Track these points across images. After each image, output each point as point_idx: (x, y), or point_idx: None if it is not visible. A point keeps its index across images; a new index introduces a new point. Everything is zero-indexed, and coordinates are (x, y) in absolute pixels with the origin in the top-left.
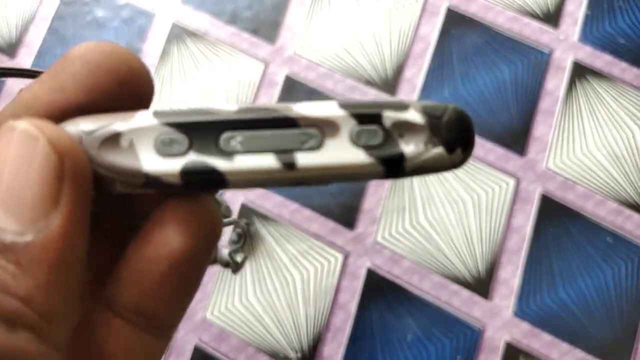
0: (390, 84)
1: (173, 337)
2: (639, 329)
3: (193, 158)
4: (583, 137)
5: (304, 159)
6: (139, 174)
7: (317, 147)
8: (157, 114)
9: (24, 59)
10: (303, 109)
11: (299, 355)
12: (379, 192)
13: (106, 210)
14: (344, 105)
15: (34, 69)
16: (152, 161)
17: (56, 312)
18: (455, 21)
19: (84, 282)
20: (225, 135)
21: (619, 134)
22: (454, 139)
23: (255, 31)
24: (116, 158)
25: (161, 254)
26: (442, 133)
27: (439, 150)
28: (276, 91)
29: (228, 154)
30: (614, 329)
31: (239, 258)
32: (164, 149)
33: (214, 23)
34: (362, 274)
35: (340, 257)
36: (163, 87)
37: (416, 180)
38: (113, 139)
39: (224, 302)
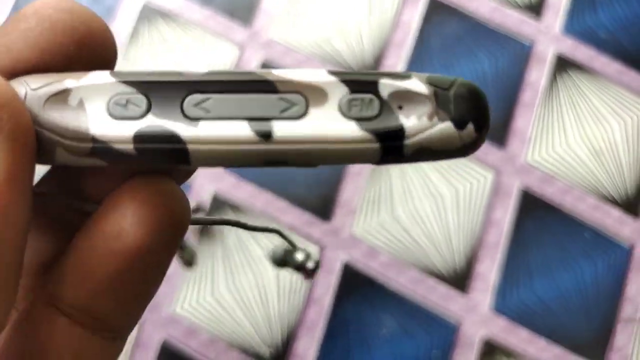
0: (369, 70)
1: (127, 340)
2: (615, 325)
3: (150, 122)
4: (563, 132)
5: (283, 129)
6: (86, 136)
7: (299, 116)
8: (114, 73)
9: None
10: (285, 72)
11: (272, 350)
12: (356, 183)
13: (52, 191)
14: (334, 72)
15: None
16: (102, 123)
17: None
18: (436, 9)
19: (30, 273)
20: (190, 98)
21: (599, 129)
22: (465, 112)
23: (230, 14)
24: (61, 117)
25: (114, 247)
26: (450, 105)
27: (446, 125)
28: None
29: (193, 119)
30: (591, 324)
31: (310, 264)
32: (118, 110)
33: (188, 5)
34: (338, 267)
35: (315, 249)
36: (132, 68)
37: (394, 172)
38: (61, 96)
39: (194, 295)
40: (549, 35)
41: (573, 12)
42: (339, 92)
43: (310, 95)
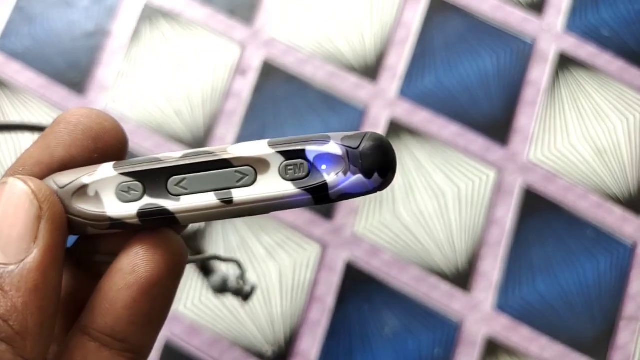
0: (371, 70)
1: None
2: (618, 323)
3: (147, 201)
4: (565, 130)
5: (240, 195)
6: (104, 218)
7: (251, 183)
8: (117, 164)
9: None
10: (237, 150)
11: (275, 349)
12: None
13: (84, 248)
14: (272, 144)
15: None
16: (114, 207)
17: (31, 332)
18: (438, 8)
19: (64, 314)
20: (172, 179)
21: (602, 127)
22: (370, 166)
23: (231, 12)
24: (85, 206)
25: (130, 280)
26: (359, 161)
27: (357, 176)
28: (252, 77)
29: (175, 196)
30: (594, 322)
31: (247, 288)
32: (123, 195)
33: (189, 3)
34: (340, 266)
35: (317, 248)
36: (136, 69)
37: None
38: (82, 190)
39: (197, 294)
40: (551, 33)
41: (575, 9)
42: (277, 161)
43: (257, 165)
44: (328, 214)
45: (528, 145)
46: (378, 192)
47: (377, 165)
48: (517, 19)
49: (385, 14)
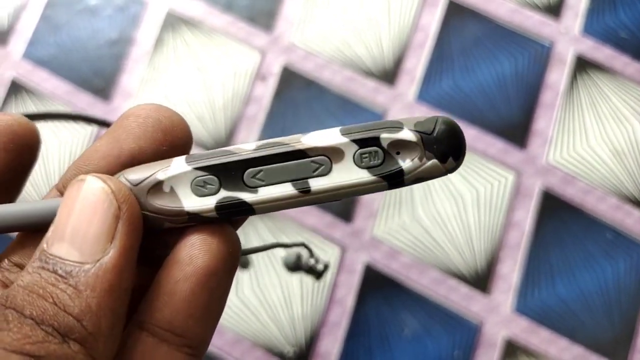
0: (389, 75)
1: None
2: (637, 325)
3: (224, 194)
4: (584, 132)
5: (317, 184)
6: (182, 213)
7: (327, 172)
8: (188, 159)
9: (16, 47)
10: (311, 140)
11: (296, 350)
12: None
13: (145, 244)
14: (345, 132)
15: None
16: (191, 201)
17: (103, 332)
18: (455, 12)
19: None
20: (248, 172)
21: (620, 129)
22: (446, 150)
23: (251, 20)
24: (162, 202)
25: (187, 271)
26: (434, 147)
27: (432, 162)
28: (272, 83)
29: (253, 188)
30: (613, 324)
31: (320, 266)
32: (199, 190)
33: (210, 11)
34: (360, 268)
35: (337, 251)
36: (159, 75)
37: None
38: (157, 187)
39: None
40: (569, 35)
41: (593, 12)
42: (352, 149)
43: (332, 155)
44: (347, 217)
45: (547, 148)
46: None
47: (451, 149)
48: (535, 23)
49: (403, 19)
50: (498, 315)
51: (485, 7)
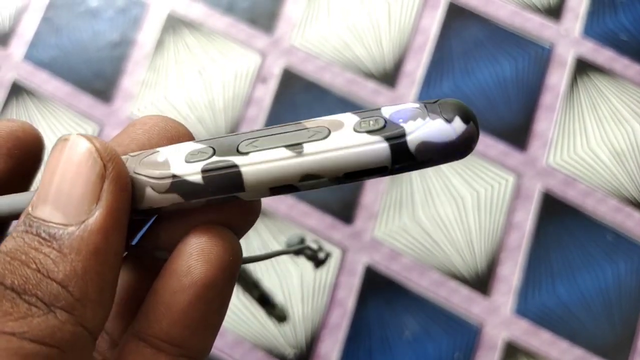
0: (389, 77)
1: None
2: (638, 327)
3: (214, 159)
4: (584, 134)
5: (311, 146)
6: (167, 175)
7: (323, 138)
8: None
9: (17, 49)
10: (312, 120)
11: (296, 351)
12: (378, 186)
13: (144, 243)
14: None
15: None
16: (180, 166)
17: (91, 298)
18: (456, 14)
19: (125, 314)
20: (243, 142)
21: (620, 131)
22: (450, 110)
23: (252, 22)
24: (152, 167)
25: (185, 282)
26: (437, 109)
27: (437, 120)
28: (273, 85)
29: (245, 153)
30: (613, 326)
31: (322, 254)
32: (192, 157)
33: (210, 13)
34: (360, 270)
35: (338, 252)
36: (160, 77)
37: (415, 176)
38: (153, 156)
39: None
40: (569, 38)
41: (593, 14)
42: (352, 120)
43: (331, 126)
44: (348, 219)
45: (547, 150)
46: (461, 159)
47: (457, 110)
48: (535, 25)
49: (403, 21)
50: (498, 317)
51: (486, 9)
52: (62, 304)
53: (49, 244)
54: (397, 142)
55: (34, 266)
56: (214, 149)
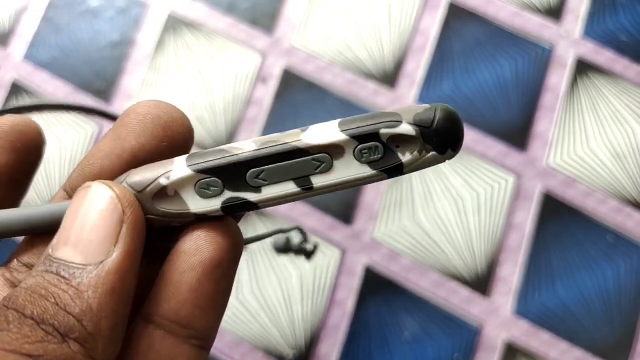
0: (390, 77)
1: (210, 352)
2: (638, 328)
3: (229, 195)
4: (584, 135)
5: (319, 181)
6: (189, 215)
7: (328, 169)
8: (189, 160)
9: (17, 49)
10: (310, 138)
11: (296, 352)
12: (378, 187)
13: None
14: (344, 128)
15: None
16: (197, 204)
17: (104, 334)
18: (456, 15)
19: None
20: (250, 173)
21: (621, 132)
22: (445, 143)
23: (252, 22)
24: (167, 206)
25: (194, 261)
26: (433, 140)
27: (432, 154)
28: (273, 85)
29: (256, 188)
30: (614, 328)
31: (309, 246)
32: (204, 192)
33: (211, 14)
34: (360, 270)
35: (337, 253)
36: (160, 78)
37: (415, 177)
38: (161, 192)
39: None
40: (570, 39)
41: (594, 15)
42: (352, 145)
43: (332, 151)
44: (348, 219)
45: (547, 151)
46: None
47: (450, 141)
48: (535, 25)
49: (404, 22)
50: (498, 318)
51: (486, 10)
52: (76, 336)
53: (68, 282)
54: (395, 174)
55: (52, 300)
56: (222, 181)
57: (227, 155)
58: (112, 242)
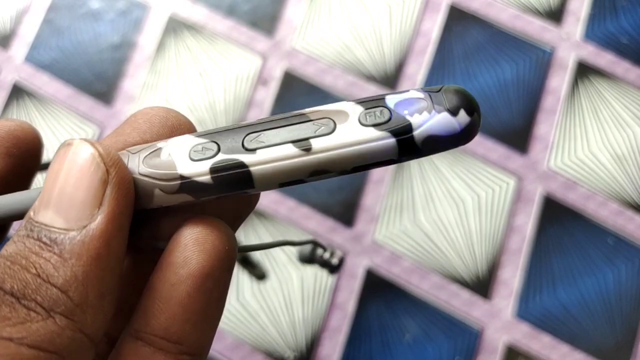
0: (390, 79)
1: None
2: (638, 331)
3: (221, 157)
4: (585, 137)
5: (319, 143)
6: (175, 176)
7: (330, 132)
8: (192, 134)
9: (18, 50)
10: (314, 108)
11: (296, 354)
12: (378, 189)
13: (145, 234)
14: (350, 100)
15: None
16: (186, 165)
17: (91, 304)
18: (457, 17)
19: (126, 312)
20: (248, 136)
21: (621, 134)
22: (455, 102)
23: (253, 24)
24: (157, 167)
25: (182, 274)
26: (443, 101)
27: (443, 114)
28: (274, 87)
29: (251, 150)
30: (614, 330)
31: (335, 261)
32: (197, 155)
33: (212, 16)
34: (361, 273)
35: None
36: (161, 80)
37: (416, 179)
38: (155, 153)
39: None
40: (570, 41)
41: (594, 17)
42: (356, 111)
43: (336, 117)
44: (348, 222)
45: (548, 153)
46: (464, 145)
47: (462, 102)
48: (536, 28)
49: (404, 24)
50: (499, 321)
51: (487, 13)
52: (62, 309)
53: (50, 248)
54: (405, 137)
55: (33, 271)
56: (218, 144)
57: (227, 126)
58: (96, 205)
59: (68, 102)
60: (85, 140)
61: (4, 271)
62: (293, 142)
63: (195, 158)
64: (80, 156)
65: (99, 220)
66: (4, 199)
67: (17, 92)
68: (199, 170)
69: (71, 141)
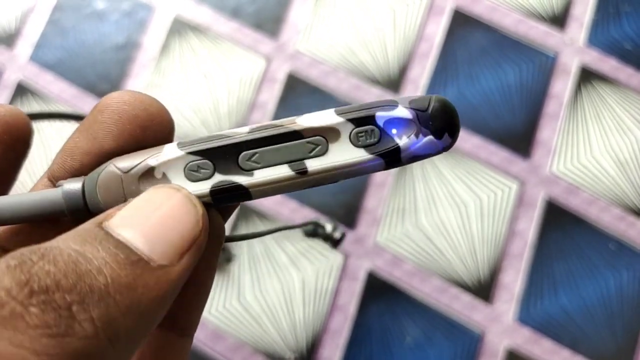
0: (394, 83)
1: (193, 338)
2: (639, 337)
3: (219, 179)
4: (588, 142)
5: (314, 165)
6: None
7: (323, 152)
8: (180, 144)
9: (22, 50)
10: (306, 121)
11: (297, 356)
12: (380, 192)
13: None
14: (340, 112)
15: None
16: (185, 187)
17: (132, 339)
18: (460, 22)
19: None
20: (242, 155)
21: (624, 140)
22: (441, 127)
23: (258, 26)
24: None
25: None
26: (429, 123)
27: (428, 138)
28: (277, 88)
29: (248, 171)
30: (616, 335)
31: (337, 234)
32: (193, 175)
33: (216, 18)
34: (362, 275)
35: (340, 257)
36: (165, 81)
37: (418, 182)
38: (148, 173)
39: (221, 301)
40: (574, 46)
41: (598, 23)
42: (347, 128)
43: (328, 134)
44: (350, 224)
45: (550, 158)
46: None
47: (447, 126)
48: (540, 33)
49: (408, 28)
50: (500, 325)
51: (491, 17)
52: (109, 334)
53: (127, 268)
54: (392, 158)
55: (102, 281)
56: (213, 163)
57: (219, 138)
58: (180, 254)
59: (72, 101)
60: (191, 194)
61: (66, 268)
62: (288, 162)
63: (193, 179)
64: (187, 205)
65: (176, 269)
66: (28, 196)
67: (22, 91)
68: (200, 192)
69: (180, 188)
